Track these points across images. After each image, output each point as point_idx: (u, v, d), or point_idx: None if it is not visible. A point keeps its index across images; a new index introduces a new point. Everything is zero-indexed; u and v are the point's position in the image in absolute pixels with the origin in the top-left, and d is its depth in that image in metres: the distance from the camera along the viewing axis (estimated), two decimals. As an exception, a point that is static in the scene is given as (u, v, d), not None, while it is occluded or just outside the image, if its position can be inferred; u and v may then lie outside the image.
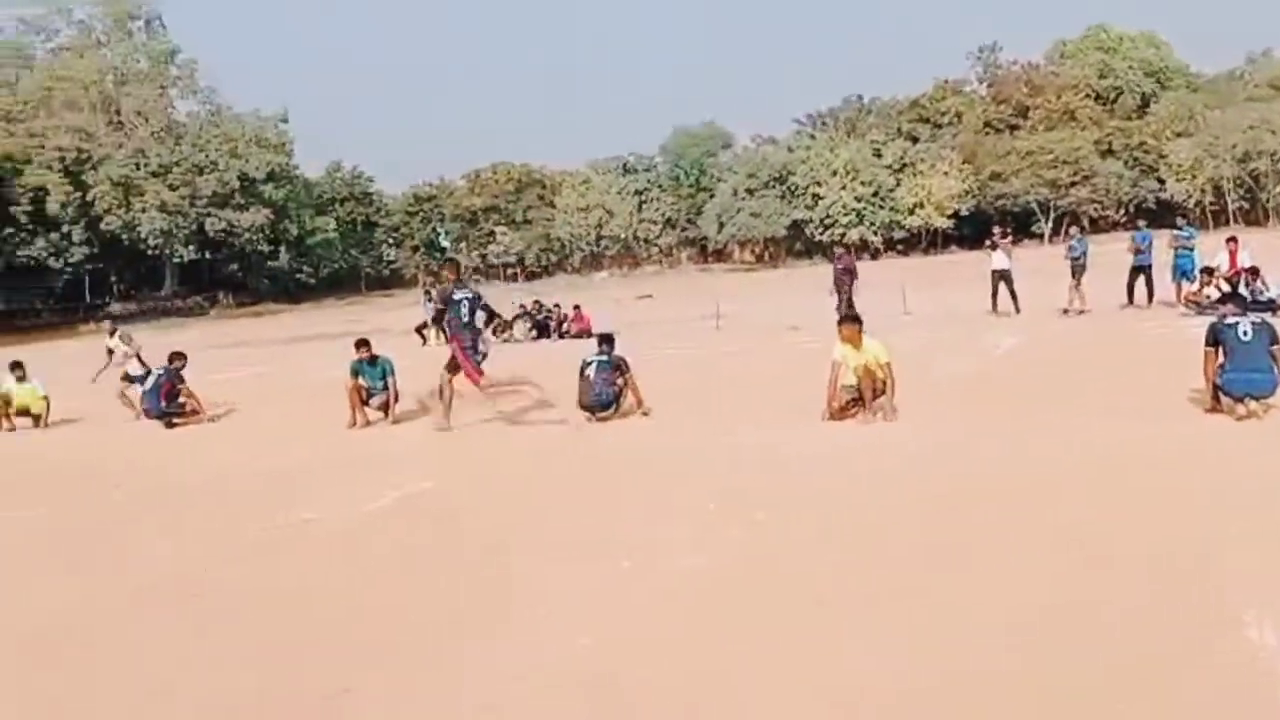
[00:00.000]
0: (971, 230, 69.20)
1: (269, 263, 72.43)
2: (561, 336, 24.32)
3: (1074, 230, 24.14)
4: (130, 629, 5.17)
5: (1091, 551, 5.13)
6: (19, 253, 58.84)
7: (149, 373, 13.81)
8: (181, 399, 13.17)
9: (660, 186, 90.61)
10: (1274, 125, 67.71)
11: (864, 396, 9.21)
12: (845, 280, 19.92)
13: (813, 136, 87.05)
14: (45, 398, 14.44)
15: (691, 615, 4.76)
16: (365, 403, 11.83)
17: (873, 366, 9.16)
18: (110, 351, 15.79)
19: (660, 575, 5.35)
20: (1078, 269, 19.24)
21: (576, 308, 25.29)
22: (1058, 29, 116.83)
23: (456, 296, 10.94)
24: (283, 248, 72.73)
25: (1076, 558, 5.06)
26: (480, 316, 11.16)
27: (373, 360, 11.92)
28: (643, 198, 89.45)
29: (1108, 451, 7.40)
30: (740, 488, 7.16)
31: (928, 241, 78.97)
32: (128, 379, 14.63)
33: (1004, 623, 4.33)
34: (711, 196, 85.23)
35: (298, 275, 75.75)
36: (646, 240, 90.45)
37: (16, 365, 14.61)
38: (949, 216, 76.36)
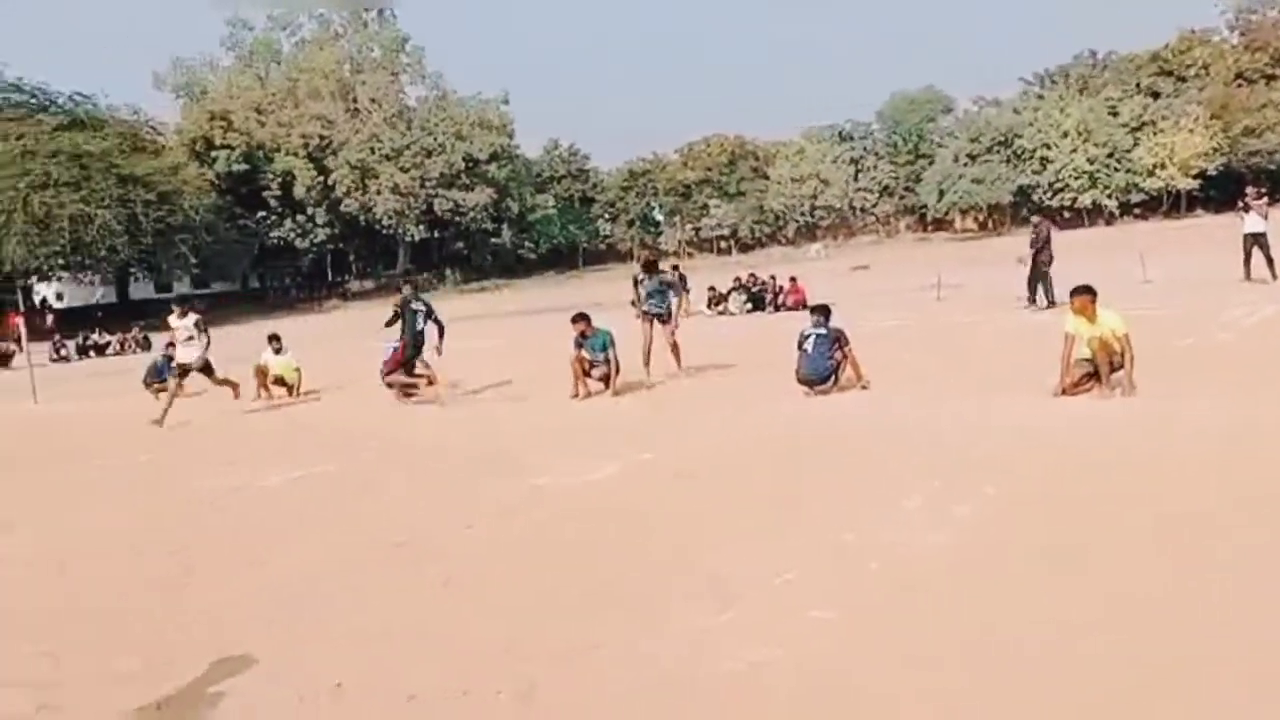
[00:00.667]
0: (1220, 192, 64.11)
1: (492, 240, 75.53)
2: (777, 309, 24.21)
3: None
4: (387, 578, 5.58)
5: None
6: (271, 234, 63.58)
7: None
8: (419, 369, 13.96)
9: (877, 154, 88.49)
10: None
11: (1100, 370, 8.74)
12: (1044, 252, 18.12)
13: (1040, 96, 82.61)
14: (298, 369, 15.64)
15: (917, 589, 4.70)
16: (587, 374, 12.21)
17: (1109, 339, 8.67)
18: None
19: (884, 549, 5.30)
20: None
21: (793, 279, 25.12)
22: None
23: (413, 306, 13.12)
24: (505, 225, 75.63)
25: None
26: (432, 328, 13.27)
27: (593, 333, 12.27)
28: (859, 166, 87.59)
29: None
30: (967, 461, 6.97)
31: (1169, 204, 73.68)
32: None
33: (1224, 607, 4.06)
34: (931, 163, 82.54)
35: (519, 251, 78.63)
36: (862, 210, 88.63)
37: (274, 338, 15.88)
38: (1194, 177, 70.93)
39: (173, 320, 13.87)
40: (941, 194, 79.10)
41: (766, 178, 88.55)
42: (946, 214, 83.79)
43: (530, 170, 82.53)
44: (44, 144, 44.17)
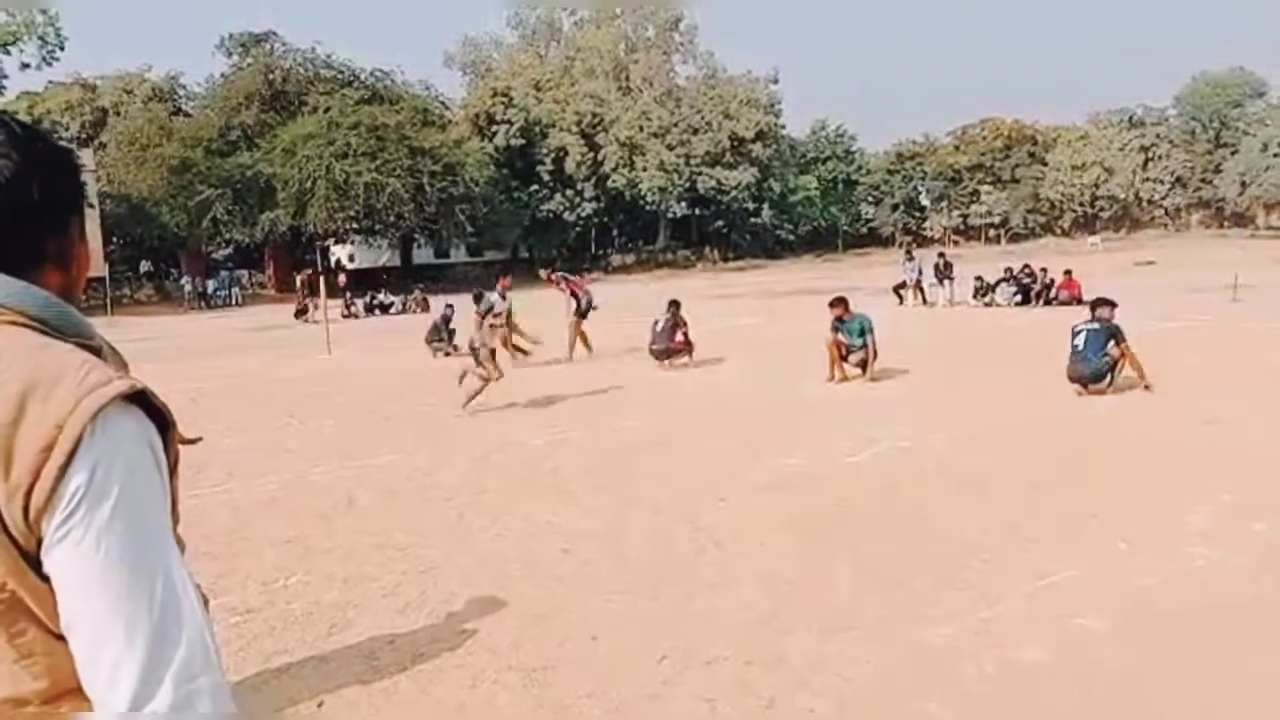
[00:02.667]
0: None
1: (752, 220, 75.59)
2: (1047, 303, 22.99)
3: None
4: (643, 541, 5.78)
5: None
6: (542, 207, 66.32)
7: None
8: (680, 337, 14.30)
9: (1171, 141, 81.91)
10: None
11: None
12: None
13: (1372, 80, 73.82)
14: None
15: (1198, 612, 4.40)
16: (844, 358, 12.08)
17: None
18: None
19: (1165, 560, 4.98)
20: None
21: (1067, 272, 23.75)
22: None
23: None
24: (765, 205, 75.46)
25: None
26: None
27: (850, 318, 12.11)
28: (1149, 154, 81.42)
29: None
30: (1265, 476, 6.42)
31: None
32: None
33: None
34: (1234, 152, 75.56)
35: (778, 232, 78.35)
36: (1150, 201, 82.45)
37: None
38: None
39: (498, 302, 12.15)
40: (1244, 186, 72.30)
41: (1044, 164, 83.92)
42: (1248, 208, 76.62)
43: (795, 151, 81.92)
44: (347, 116, 47.95)
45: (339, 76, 53.81)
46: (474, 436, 9.57)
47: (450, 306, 18.83)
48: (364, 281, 45.00)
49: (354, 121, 47.67)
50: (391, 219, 50.17)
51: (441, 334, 18.08)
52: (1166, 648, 4.04)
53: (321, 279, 24.44)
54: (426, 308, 31.65)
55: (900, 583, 4.92)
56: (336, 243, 57.33)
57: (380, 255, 60.88)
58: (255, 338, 25.28)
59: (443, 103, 61.93)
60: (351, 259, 61.93)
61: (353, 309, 33.62)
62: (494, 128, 64.40)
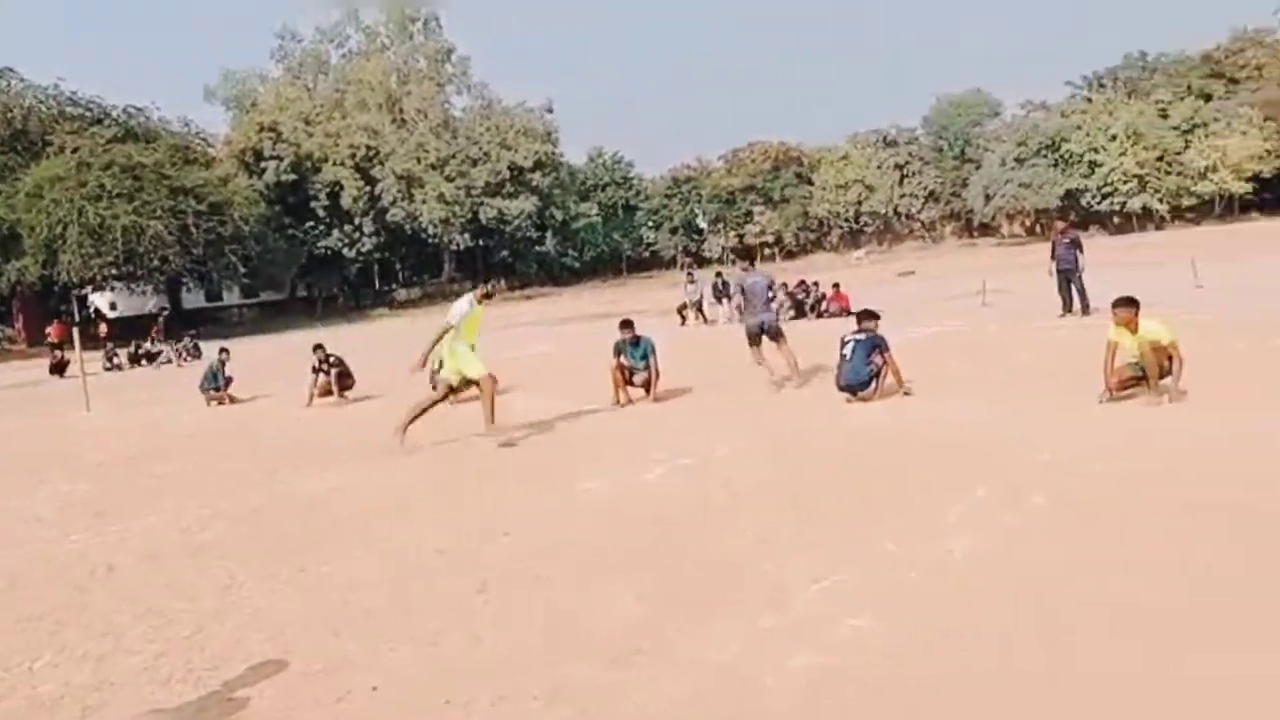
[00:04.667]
0: (1274, 194, 62.79)
1: (536, 248, 75.86)
2: (819, 315, 24.10)
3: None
4: (426, 586, 5.63)
5: None
6: (319, 244, 64.32)
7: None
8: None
9: (922, 159, 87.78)
10: None
11: (1149, 376, 8.62)
12: (1069, 258, 17.35)
13: (1089, 100, 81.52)
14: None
15: (957, 599, 4.67)
16: (629, 381, 12.25)
17: (1154, 347, 8.57)
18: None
19: (925, 559, 5.26)
20: None
21: (835, 286, 25.00)
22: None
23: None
24: (549, 233, 75.92)
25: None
26: None
27: (636, 340, 12.30)
28: (904, 171, 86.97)
29: None
30: (1014, 470, 6.90)
31: (1223, 208, 72.31)
32: None
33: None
34: (977, 168, 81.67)
35: (563, 259, 78.90)
36: (908, 215, 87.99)
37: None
38: (1247, 180, 69.55)
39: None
40: (988, 199, 78.22)
41: (811, 184, 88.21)
42: (993, 219, 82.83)
43: (575, 179, 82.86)
44: (99, 156, 45.05)
45: (87, 114, 50.49)
46: (245, 488, 9.12)
47: (225, 351, 17.98)
48: (130, 330, 42.30)
49: (106, 161, 44.87)
50: (155, 263, 47.39)
51: (217, 380, 17.21)
52: (934, 637, 4.25)
53: (76, 330, 22.82)
54: (198, 355, 30.06)
55: (682, 603, 4.99)
56: (95, 290, 53.72)
57: (146, 302, 57.41)
58: (3, 396, 23.32)
59: (204, 139, 59.11)
60: (113, 307, 58.21)
61: (115, 361, 31.49)
62: (262, 164, 62.12)
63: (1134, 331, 8.71)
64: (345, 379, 16.02)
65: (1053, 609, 4.44)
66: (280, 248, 58.08)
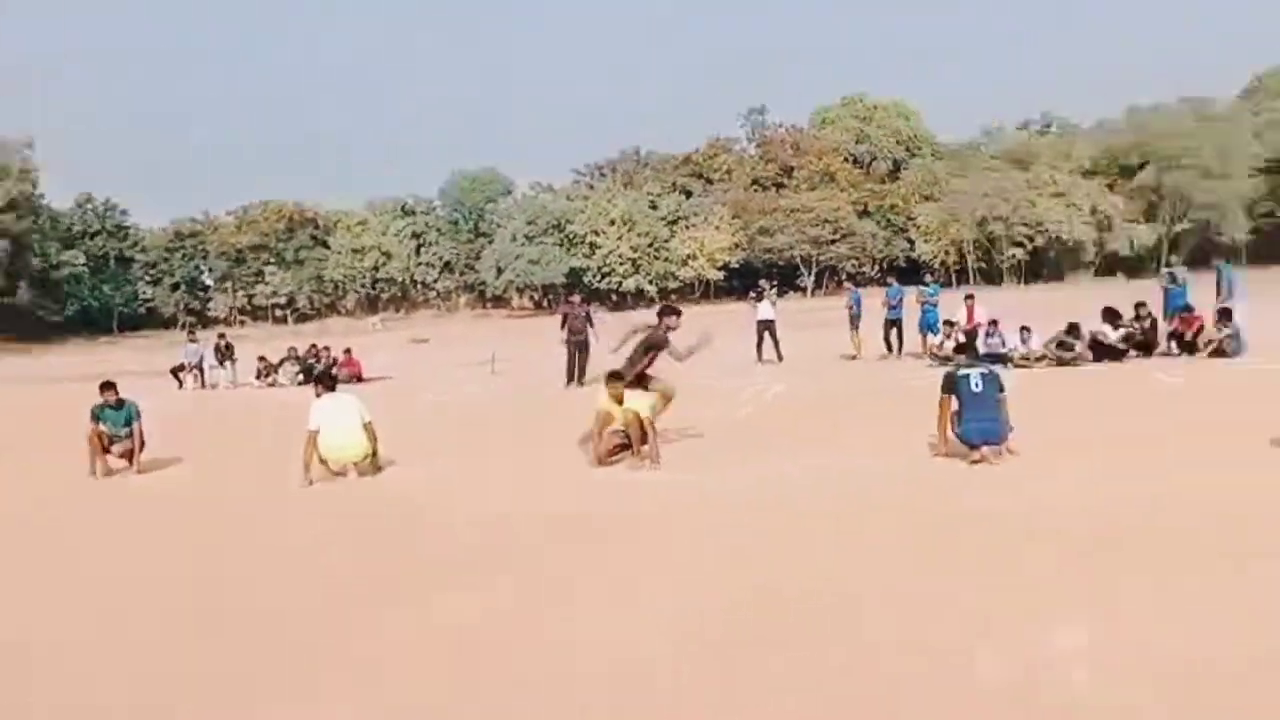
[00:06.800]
0: (742, 282, 72.05)
1: (4, 299, 66.71)
2: (333, 382, 23.46)
3: (849, 285, 25.96)
4: None
5: (758, 575, 5.37)
6: None
7: None
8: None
9: (439, 230, 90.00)
10: (1007, 193, 74.09)
11: (633, 443, 9.40)
12: (579, 329, 18.58)
13: (591, 186, 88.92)
14: None
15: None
16: (107, 450, 10.98)
17: (635, 420, 9.37)
18: None
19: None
20: (854, 319, 20.58)
21: (347, 351, 24.50)
22: (820, 95, 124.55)
23: None
24: (23, 283, 67.21)
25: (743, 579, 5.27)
26: None
27: (119, 404, 11.10)
28: (421, 240, 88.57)
29: (850, 486, 7.80)
30: (486, 539, 7.10)
31: (701, 291, 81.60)
32: None
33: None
34: (490, 242, 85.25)
35: (39, 312, 70.14)
36: (424, 284, 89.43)
37: None
38: (720, 268, 79.30)
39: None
40: (500, 272, 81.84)
41: (327, 247, 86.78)
42: (504, 292, 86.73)
43: (58, 224, 74.43)
44: None
45: None
46: None
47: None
48: None
49: None
50: None
51: None
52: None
53: None
54: None
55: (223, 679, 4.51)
56: None
57: None
58: None
59: None
60: None
61: None
62: None
63: (621, 402, 9.46)
64: None
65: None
66: None
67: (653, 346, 10.44)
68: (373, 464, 9.87)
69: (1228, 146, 72.03)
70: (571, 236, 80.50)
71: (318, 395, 10.32)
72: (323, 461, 9.66)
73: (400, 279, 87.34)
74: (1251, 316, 17.08)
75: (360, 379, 22.74)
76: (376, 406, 10.73)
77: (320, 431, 9.64)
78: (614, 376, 9.67)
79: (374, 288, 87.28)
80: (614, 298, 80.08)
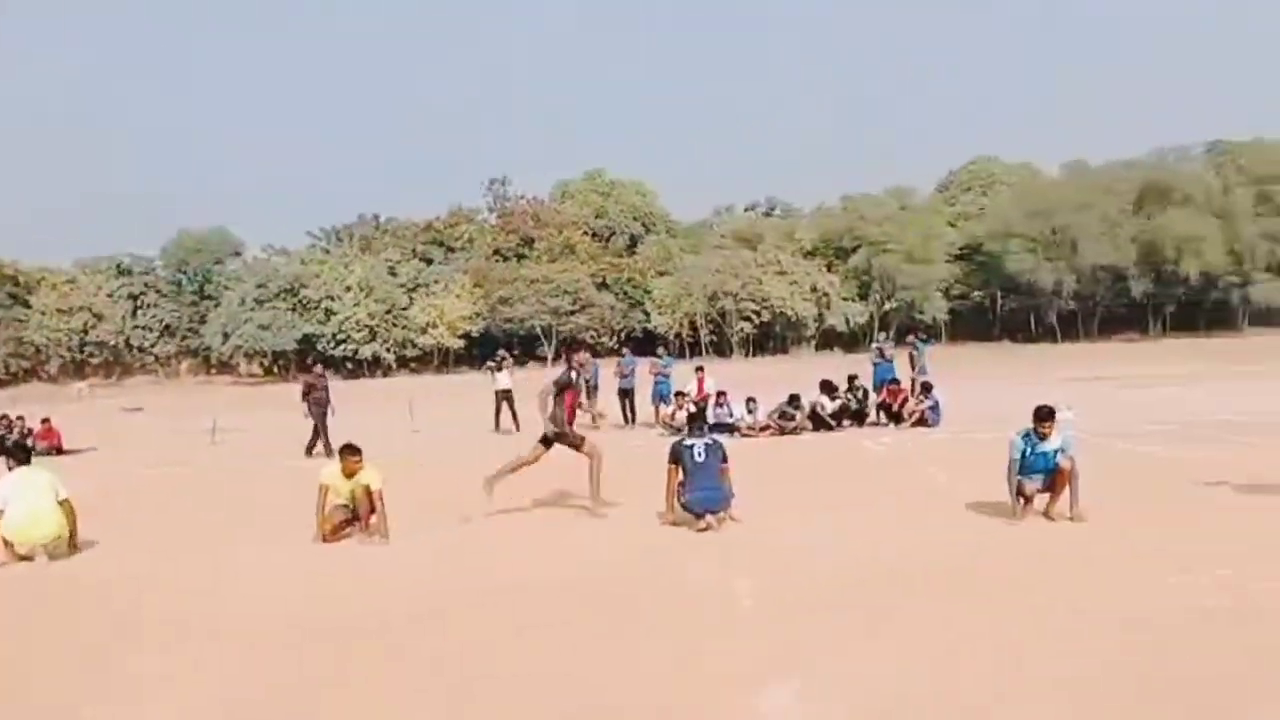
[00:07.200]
0: (481, 350, 71.80)
1: None
2: (27, 454, 21.39)
3: (585, 355, 26.31)
4: None
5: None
6: None
7: None
8: None
9: (159, 291, 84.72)
10: (736, 270, 78.18)
11: (361, 516, 9.16)
12: (322, 400, 18.14)
13: (327, 251, 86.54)
14: None
15: None
16: None
17: (364, 493, 9.12)
18: None
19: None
20: (590, 388, 20.84)
21: (45, 421, 22.41)
22: (561, 169, 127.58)
23: None
24: None
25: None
26: None
27: None
28: (139, 302, 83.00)
29: (581, 554, 7.95)
30: (214, 615, 6.73)
31: (440, 359, 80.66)
32: None
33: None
34: (217, 305, 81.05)
35: None
36: (141, 348, 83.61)
37: None
38: (460, 336, 78.78)
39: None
40: (226, 337, 77.83)
41: (28, 306, 79.63)
42: (231, 357, 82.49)
43: None
44: None
45: None
46: None
47: None
48: None
49: None
50: None
51: None
52: None
53: None
54: None
55: None
56: None
57: None
58: None
59: None
60: None
61: None
62: None
63: (349, 476, 9.17)
64: None
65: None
66: None
67: (564, 387, 10.16)
68: (70, 545, 9.07)
69: (927, 234, 79.43)
70: (305, 301, 77.80)
71: (9, 469, 9.46)
72: (7, 544, 8.78)
73: (113, 342, 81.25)
74: (947, 390, 18.86)
75: (60, 450, 20.96)
76: (77, 482, 9.93)
77: (4, 510, 8.78)
78: (349, 450, 9.35)
79: (82, 351, 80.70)
80: (349, 365, 77.86)
